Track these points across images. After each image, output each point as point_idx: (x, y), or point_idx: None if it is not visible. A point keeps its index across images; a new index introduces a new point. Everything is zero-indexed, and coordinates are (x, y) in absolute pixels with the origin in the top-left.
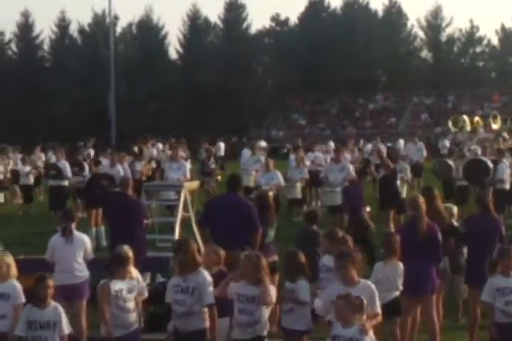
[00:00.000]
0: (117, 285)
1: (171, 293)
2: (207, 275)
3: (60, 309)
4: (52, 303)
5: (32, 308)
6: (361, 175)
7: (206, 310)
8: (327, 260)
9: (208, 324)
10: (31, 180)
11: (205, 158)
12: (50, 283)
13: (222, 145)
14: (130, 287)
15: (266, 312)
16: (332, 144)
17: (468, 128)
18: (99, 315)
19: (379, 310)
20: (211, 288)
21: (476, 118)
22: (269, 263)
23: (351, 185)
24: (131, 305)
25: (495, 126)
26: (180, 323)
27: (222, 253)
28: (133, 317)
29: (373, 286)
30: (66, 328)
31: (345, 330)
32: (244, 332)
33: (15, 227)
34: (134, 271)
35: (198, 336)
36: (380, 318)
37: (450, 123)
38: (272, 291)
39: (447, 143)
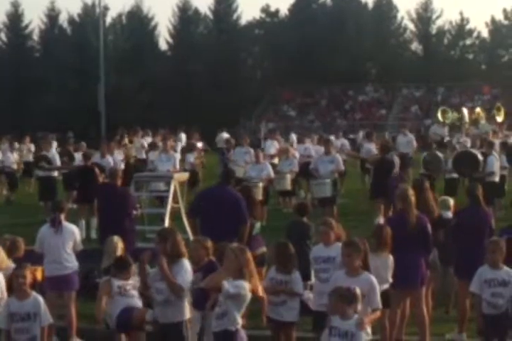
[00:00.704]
0: (121, 282)
1: (151, 282)
2: (188, 265)
3: (40, 300)
4: (33, 294)
5: (12, 300)
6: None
7: (186, 303)
8: (322, 251)
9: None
10: (15, 166)
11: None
12: (27, 272)
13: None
14: (135, 283)
15: (235, 306)
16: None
17: (448, 120)
18: (88, 305)
19: (379, 305)
20: (189, 276)
21: (478, 110)
22: (258, 254)
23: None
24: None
25: (499, 119)
26: (160, 313)
27: (210, 244)
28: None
29: (375, 280)
30: (46, 319)
31: (342, 322)
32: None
33: (3, 218)
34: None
35: (175, 328)
36: (379, 313)
37: (439, 114)
38: (255, 286)
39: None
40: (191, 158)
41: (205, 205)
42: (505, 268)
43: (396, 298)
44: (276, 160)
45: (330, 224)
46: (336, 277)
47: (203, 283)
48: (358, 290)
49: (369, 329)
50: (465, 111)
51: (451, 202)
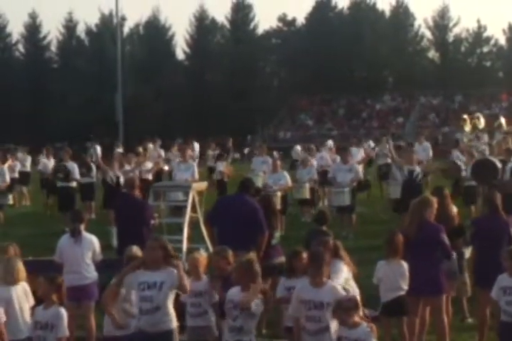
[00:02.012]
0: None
1: (136, 291)
2: (174, 271)
3: (62, 312)
4: (56, 305)
5: (39, 308)
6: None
7: (172, 311)
8: None
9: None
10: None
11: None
12: (61, 285)
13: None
14: None
15: (254, 321)
16: (331, 143)
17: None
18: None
19: None
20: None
21: (501, 119)
22: (277, 264)
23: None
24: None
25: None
26: (146, 321)
27: (229, 253)
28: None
29: (339, 287)
30: (62, 331)
31: (350, 332)
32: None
33: (24, 229)
34: None
35: (165, 337)
36: None
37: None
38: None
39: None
40: (221, 166)
41: (223, 214)
42: None
43: (412, 306)
44: None
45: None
46: (301, 289)
47: (243, 303)
48: (357, 298)
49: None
50: (502, 119)
51: (454, 209)
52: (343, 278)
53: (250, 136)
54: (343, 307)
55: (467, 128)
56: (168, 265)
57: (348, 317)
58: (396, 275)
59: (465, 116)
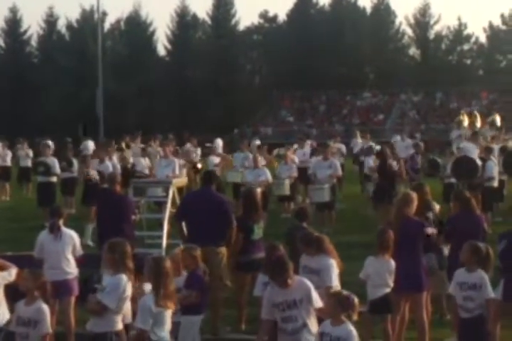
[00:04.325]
0: None
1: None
2: (122, 279)
3: (46, 308)
4: (38, 301)
5: (19, 304)
6: None
7: (117, 315)
8: (307, 261)
9: (114, 329)
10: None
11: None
12: (45, 282)
13: (220, 142)
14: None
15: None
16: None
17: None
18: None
19: (319, 304)
20: (119, 291)
21: (475, 113)
22: (256, 259)
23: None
24: None
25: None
26: (91, 323)
27: (198, 253)
28: None
29: (308, 282)
30: (47, 328)
31: (333, 328)
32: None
33: (2, 223)
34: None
35: (100, 339)
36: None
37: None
38: None
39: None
40: (216, 160)
41: (190, 209)
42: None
43: (395, 303)
44: None
45: (306, 240)
46: (271, 292)
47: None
48: (356, 300)
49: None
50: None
51: (437, 206)
52: (336, 276)
53: (237, 130)
54: (337, 298)
55: (465, 124)
56: None
57: (335, 311)
58: (385, 272)
59: (463, 112)
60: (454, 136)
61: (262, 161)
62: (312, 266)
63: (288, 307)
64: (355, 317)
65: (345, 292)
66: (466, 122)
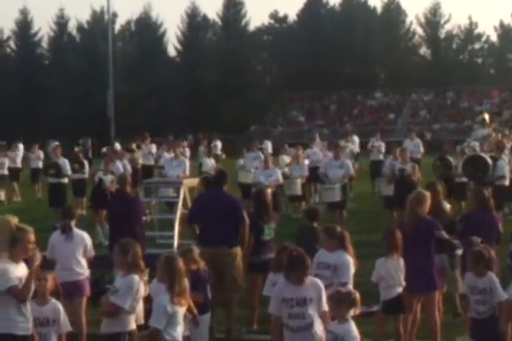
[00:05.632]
0: None
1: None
2: (134, 280)
3: (60, 306)
4: (52, 300)
5: (32, 306)
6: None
7: (131, 315)
8: (324, 256)
9: (128, 329)
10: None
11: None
12: (50, 280)
13: (219, 143)
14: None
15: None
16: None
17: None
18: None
19: (326, 308)
20: (132, 292)
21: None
22: (267, 260)
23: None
24: None
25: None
26: (104, 324)
27: (195, 254)
28: None
29: (320, 282)
30: (65, 326)
31: (336, 326)
32: None
33: None
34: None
35: (114, 339)
36: (327, 316)
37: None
38: None
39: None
40: (212, 162)
41: (203, 211)
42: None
43: (409, 303)
44: None
45: (330, 231)
46: (282, 287)
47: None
48: (357, 296)
49: (356, 333)
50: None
51: (447, 205)
52: (352, 274)
53: (254, 126)
54: (336, 298)
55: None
56: None
57: (337, 309)
58: (397, 272)
59: (484, 112)
60: (480, 135)
61: (286, 159)
62: (329, 261)
63: (297, 304)
64: (357, 311)
65: (345, 289)
66: (488, 121)
